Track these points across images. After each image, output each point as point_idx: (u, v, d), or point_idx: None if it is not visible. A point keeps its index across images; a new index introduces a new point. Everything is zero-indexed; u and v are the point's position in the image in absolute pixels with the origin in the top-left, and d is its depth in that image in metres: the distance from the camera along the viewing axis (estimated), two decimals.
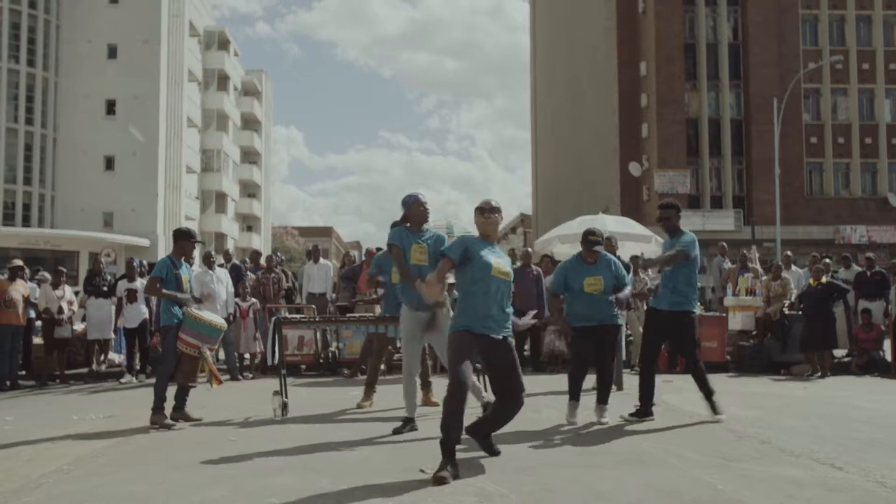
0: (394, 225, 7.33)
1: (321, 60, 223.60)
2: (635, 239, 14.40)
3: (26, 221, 42.44)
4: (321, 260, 13.88)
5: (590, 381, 7.22)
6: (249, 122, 64.63)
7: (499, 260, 5.19)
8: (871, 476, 4.69)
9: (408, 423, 6.57)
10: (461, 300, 5.19)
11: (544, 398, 8.61)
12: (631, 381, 10.31)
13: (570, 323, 7.08)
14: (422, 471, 4.86)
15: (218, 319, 7.54)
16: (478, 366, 6.69)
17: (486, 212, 5.29)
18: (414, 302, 6.52)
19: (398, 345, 11.39)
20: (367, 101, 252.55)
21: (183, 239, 7.59)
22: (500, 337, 5.14)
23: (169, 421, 7.13)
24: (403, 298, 6.73)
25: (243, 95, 63.66)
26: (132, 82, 43.18)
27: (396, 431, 6.45)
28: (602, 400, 7.05)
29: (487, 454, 5.31)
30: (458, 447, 4.77)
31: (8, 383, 11.24)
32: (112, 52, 44.14)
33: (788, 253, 15.46)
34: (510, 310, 5.27)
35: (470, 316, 5.09)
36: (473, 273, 5.10)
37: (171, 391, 7.34)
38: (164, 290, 7.26)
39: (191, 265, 7.80)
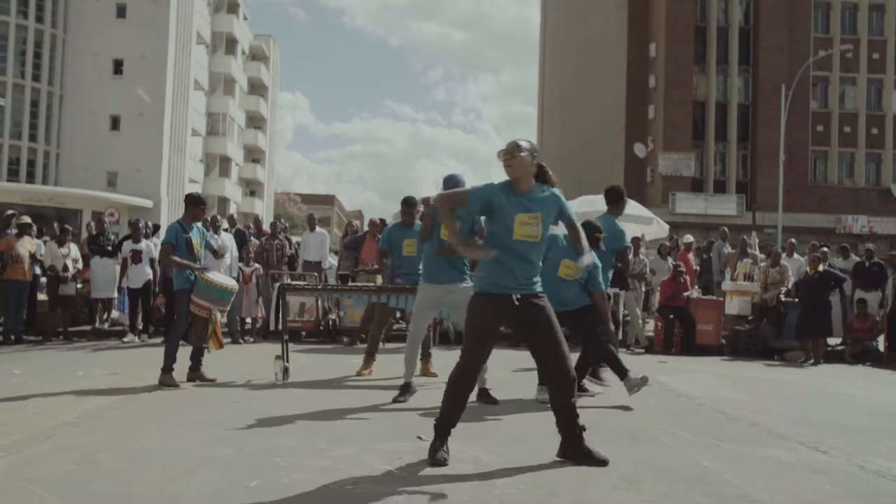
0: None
1: (328, 26, 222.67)
2: (637, 220, 14.49)
3: (30, 178, 42.53)
4: (317, 229, 13.99)
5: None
6: (256, 87, 64.46)
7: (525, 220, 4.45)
8: (854, 460, 4.85)
9: (406, 389, 6.70)
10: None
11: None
12: (625, 360, 10.47)
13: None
14: (419, 437, 5.01)
15: (229, 282, 7.70)
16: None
17: (505, 152, 4.52)
18: (435, 275, 6.66)
19: (398, 315, 11.57)
20: (373, 70, 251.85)
21: (192, 205, 7.72)
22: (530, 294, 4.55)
23: (175, 382, 7.29)
24: (424, 272, 6.82)
25: (251, 60, 63.43)
26: (140, 42, 43.07)
27: (396, 400, 6.58)
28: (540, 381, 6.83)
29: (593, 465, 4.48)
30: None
31: (13, 338, 11.42)
32: (121, 11, 43.99)
33: (792, 240, 15.56)
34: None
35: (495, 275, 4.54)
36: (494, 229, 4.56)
37: (185, 353, 7.53)
38: (176, 259, 7.42)
39: (208, 230, 7.94)
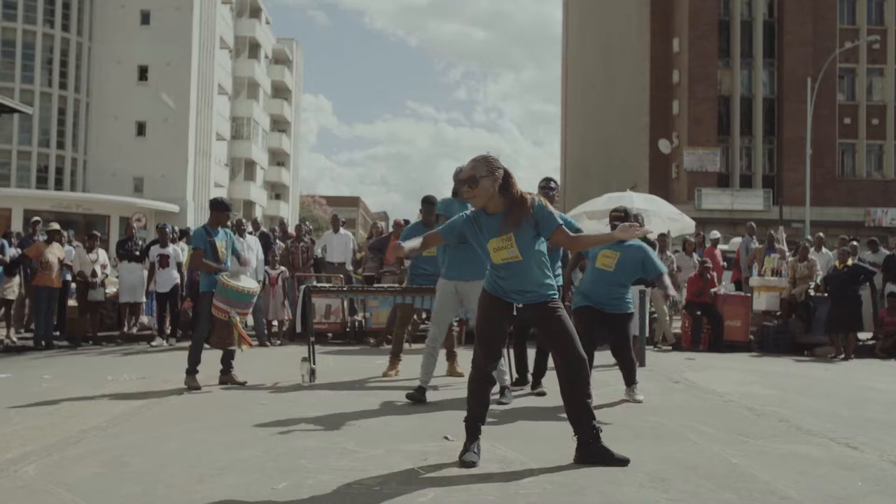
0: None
1: (349, 28, 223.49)
2: (663, 217, 14.43)
3: (58, 185, 43.03)
4: (341, 230, 14.02)
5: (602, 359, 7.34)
6: (279, 91, 64.75)
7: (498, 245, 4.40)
8: (886, 456, 4.78)
9: (421, 392, 6.61)
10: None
11: None
12: (652, 357, 10.44)
13: (574, 303, 6.88)
14: (446, 438, 5.01)
15: (248, 284, 7.71)
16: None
17: (464, 187, 4.40)
18: (453, 273, 6.67)
19: (423, 316, 11.58)
20: (394, 71, 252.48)
21: (216, 210, 7.80)
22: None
23: (199, 384, 7.35)
24: (444, 270, 6.81)
25: (274, 64, 63.75)
26: (164, 49, 43.44)
27: (410, 397, 6.54)
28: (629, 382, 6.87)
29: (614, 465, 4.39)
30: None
31: (43, 343, 11.57)
32: (145, 18, 44.42)
33: (820, 234, 15.39)
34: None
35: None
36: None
37: (216, 356, 7.63)
38: (208, 263, 7.50)
39: (234, 233, 8.01)
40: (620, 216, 6.87)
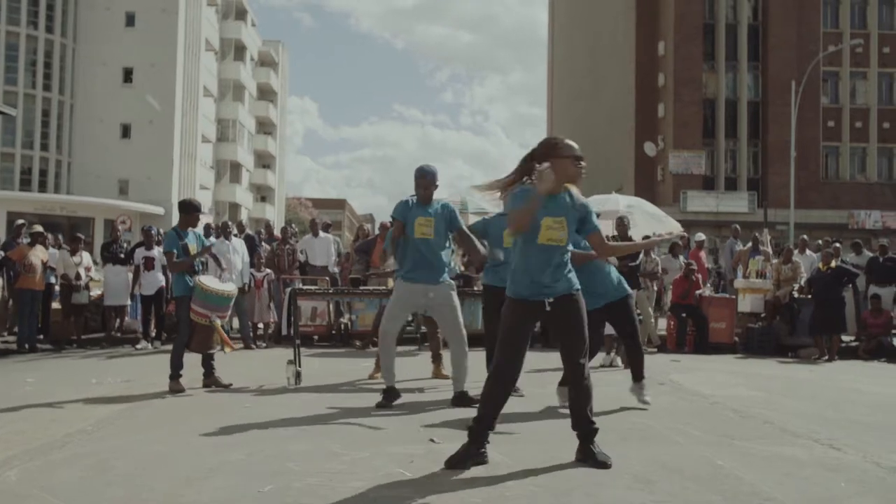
0: None
1: (335, 30, 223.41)
2: (648, 219, 14.47)
3: (42, 187, 42.81)
4: (321, 234, 13.91)
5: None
6: (265, 93, 64.64)
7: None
8: (869, 457, 4.81)
9: (390, 394, 6.42)
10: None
11: (552, 374, 8.72)
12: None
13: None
14: (432, 440, 5.01)
15: (226, 287, 7.65)
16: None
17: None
18: (413, 276, 6.42)
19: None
20: (380, 73, 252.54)
21: (185, 212, 7.71)
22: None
23: (183, 387, 7.31)
24: (400, 272, 6.53)
25: (260, 66, 63.63)
26: (149, 50, 43.31)
27: (380, 405, 6.35)
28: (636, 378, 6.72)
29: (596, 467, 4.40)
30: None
31: (27, 346, 11.48)
32: (130, 20, 44.27)
33: (804, 236, 15.48)
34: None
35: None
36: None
37: (196, 360, 7.57)
38: (179, 261, 7.43)
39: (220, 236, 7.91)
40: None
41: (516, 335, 4.46)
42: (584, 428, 4.48)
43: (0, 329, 12.31)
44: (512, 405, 6.55)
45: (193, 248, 7.60)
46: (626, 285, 6.83)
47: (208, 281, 7.48)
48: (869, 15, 39.88)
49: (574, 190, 4.51)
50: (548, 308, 4.44)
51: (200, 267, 7.62)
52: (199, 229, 8.04)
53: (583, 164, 4.48)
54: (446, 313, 6.47)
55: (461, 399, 6.38)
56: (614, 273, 6.79)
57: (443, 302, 6.44)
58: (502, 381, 4.46)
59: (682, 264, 13.36)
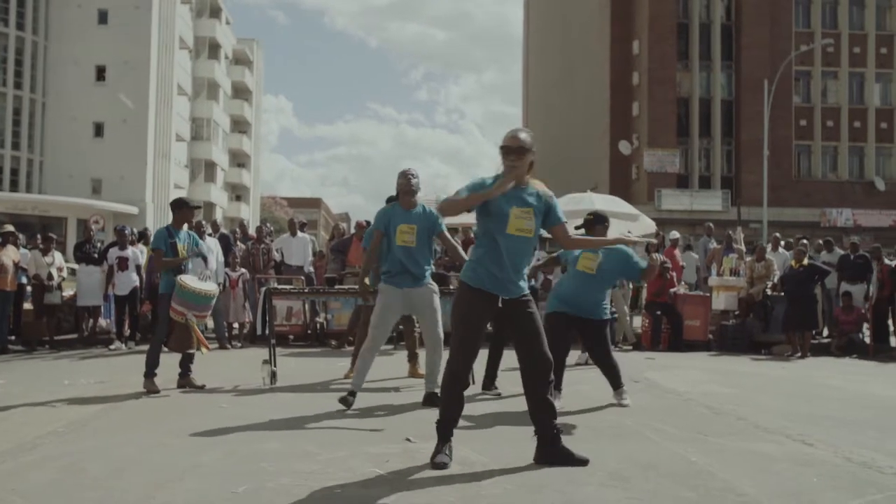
0: (388, 200, 7.27)
1: (309, 29, 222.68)
2: (623, 218, 14.50)
3: (14, 186, 42.21)
4: (298, 233, 13.88)
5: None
6: (240, 91, 64.20)
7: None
8: (840, 452, 4.88)
9: (353, 396, 6.35)
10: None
11: None
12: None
13: (550, 307, 6.71)
14: (408, 440, 5.01)
15: (206, 286, 7.58)
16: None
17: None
18: (396, 280, 6.45)
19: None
20: (355, 72, 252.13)
21: (178, 208, 7.68)
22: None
23: (157, 387, 7.25)
24: (385, 277, 6.53)
25: (234, 64, 63.18)
26: (122, 48, 42.80)
27: (343, 400, 6.28)
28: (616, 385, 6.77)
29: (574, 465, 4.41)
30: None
31: None
32: (103, 18, 43.71)
33: (777, 234, 15.62)
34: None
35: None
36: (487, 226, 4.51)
37: (175, 359, 7.51)
38: (167, 260, 7.38)
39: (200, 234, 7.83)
40: (591, 220, 6.78)
41: (472, 329, 4.49)
42: (548, 433, 4.47)
43: None
44: (488, 405, 6.60)
45: (182, 247, 7.53)
46: (607, 311, 6.79)
47: (189, 279, 7.43)
48: (840, 15, 40.31)
49: (538, 183, 4.57)
50: (500, 304, 4.45)
51: (190, 266, 7.57)
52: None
53: (512, 157, 4.40)
54: (427, 315, 6.50)
55: (431, 399, 6.37)
56: (604, 296, 6.73)
57: (424, 304, 6.48)
58: (460, 380, 4.53)
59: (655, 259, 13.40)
